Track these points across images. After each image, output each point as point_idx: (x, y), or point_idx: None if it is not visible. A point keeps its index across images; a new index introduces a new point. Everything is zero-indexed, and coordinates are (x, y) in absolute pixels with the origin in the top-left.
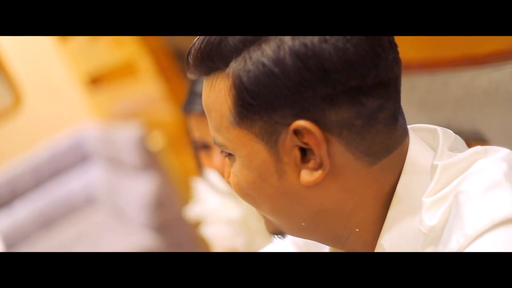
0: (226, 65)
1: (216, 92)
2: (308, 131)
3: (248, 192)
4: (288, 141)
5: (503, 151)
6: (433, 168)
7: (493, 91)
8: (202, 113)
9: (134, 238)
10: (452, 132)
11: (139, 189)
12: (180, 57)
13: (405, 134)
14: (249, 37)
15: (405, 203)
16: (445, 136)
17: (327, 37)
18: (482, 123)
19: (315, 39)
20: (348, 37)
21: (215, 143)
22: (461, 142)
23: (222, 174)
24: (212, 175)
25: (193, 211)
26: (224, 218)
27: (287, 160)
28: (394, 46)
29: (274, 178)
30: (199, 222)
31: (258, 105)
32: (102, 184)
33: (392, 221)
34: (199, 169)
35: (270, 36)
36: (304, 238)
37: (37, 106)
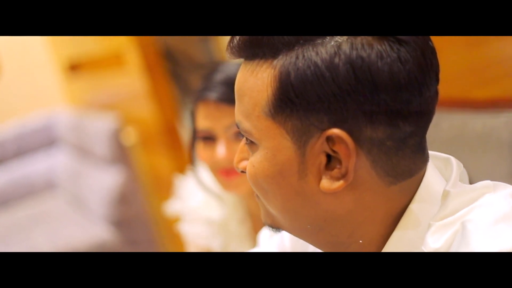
0: (274, 56)
1: (256, 79)
2: (341, 141)
3: (262, 184)
4: (318, 146)
5: (511, 188)
6: (445, 194)
7: (485, 136)
8: (217, 102)
9: (91, 229)
10: (462, 165)
11: (104, 181)
12: (168, 57)
13: (426, 161)
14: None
15: (413, 225)
16: (458, 166)
17: (384, 55)
18: (470, 166)
19: (373, 54)
20: (403, 59)
21: (238, 127)
22: (466, 176)
23: (215, 165)
24: (202, 170)
25: (172, 207)
26: (204, 218)
27: (311, 163)
28: (437, 80)
29: (294, 178)
30: (175, 219)
31: (299, 103)
32: (65, 170)
33: (397, 239)
34: (191, 161)
35: (327, 38)
36: (301, 239)
37: (11, 84)
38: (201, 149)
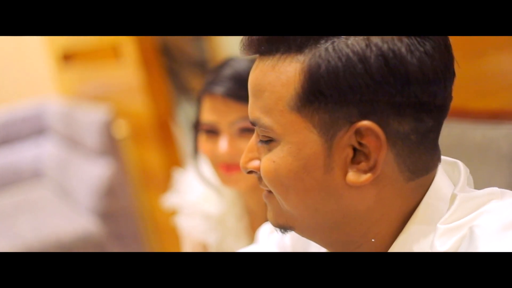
0: (299, 50)
1: (279, 74)
2: (372, 133)
3: (284, 180)
4: (346, 138)
5: None
6: (453, 197)
7: (484, 147)
8: (224, 97)
9: (76, 220)
10: (468, 170)
11: (92, 173)
12: (165, 53)
13: (440, 158)
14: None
15: (420, 225)
16: (465, 170)
17: (413, 48)
18: None
19: (403, 48)
20: (430, 53)
21: (254, 124)
22: (471, 181)
23: (216, 159)
24: (204, 163)
25: (170, 200)
26: (201, 212)
27: (337, 157)
28: (454, 75)
29: (319, 172)
30: (162, 214)
31: (330, 95)
32: (53, 160)
33: (403, 239)
34: (193, 154)
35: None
36: (312, 238)
37: (3, 71)
38: (203, 141)
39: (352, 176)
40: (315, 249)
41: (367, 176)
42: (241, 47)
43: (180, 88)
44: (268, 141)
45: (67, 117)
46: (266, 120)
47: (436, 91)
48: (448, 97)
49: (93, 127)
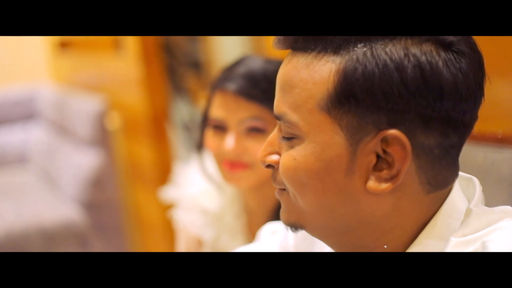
0: (336, 51)
1: (313, 72)
2: (398, 142)
3: (303, 179)
4: (372, 145)
5: None
6: (468, 212)
7: (485, 169)
8: (235, 94)
9: (60, 208)
10: (481, 187)
11: (80, 162)
12: (166, 50)
13: (458, 174)
14: (363, 37)
15: (433, 236)
16: (480, 187)
17: (449, 64)
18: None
19: (440, 62)
20: (465, 71)
21: (279, 118)
22: (483, 198)
23: (221, 155)
24: (208, 158)
25: (168, 193)
26: (200, 207)
27: (360, 162)
28: (483, 94)
29: (340, 175)
30: (169, 205)
31: (363, 100)
32: (40, 146)
33: (415, 249)
34: (199, 148)
35: (396, 38)
36: (324, 239)
37: None
38: (210, 137)
39: (372, 183)
40: (319, 251)
41: (388, 184)
42: (274, 41)
43: (177, 87)
44: (291, 138)
45: (59, 104)
46: (293, 116)
47: (466, 108)
48: (474, 116)
49: (85, 117)
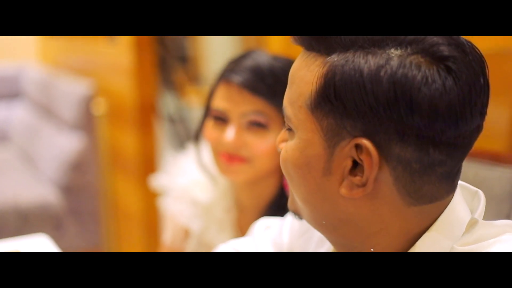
0: (328, 54)
1: (307, 71)
2: (367, 151)
3: (290, 171)
4: (347, 150)
5: None
6: (472, 222)
7: (475, 185)
8: (240, 87)
9: (37, 189)
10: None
11: (62, 145)
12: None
13: (451, 191)
14: (360, 40)
15: (431, 247)
16: (484, 201)
17: (430, 80)
18: None
19: (418, 76)
20: (448, 89)
21: (284, 111)
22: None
23: (219, 147)
24: (206, 148)
25: (158, 181)
26: (190, 197)
27: (337, 164)
28: (483, 114)
29: (318, 173)
30: (149, 195)
31: (337, 106)
32: (22, 125)
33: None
34: (197, 138)
35: (387, 46)
36: (320, 232)
37: None
38: (209, 127)
39: (344, 186)
40: (314, 249)
41: (358, 191)
42: (291, 37)
43: (166, 79)
44: (290, 130)
45: (46, 85)
46: (289, 110)
47: (444, 128)
48: (464, 136)
49: (71, 100)
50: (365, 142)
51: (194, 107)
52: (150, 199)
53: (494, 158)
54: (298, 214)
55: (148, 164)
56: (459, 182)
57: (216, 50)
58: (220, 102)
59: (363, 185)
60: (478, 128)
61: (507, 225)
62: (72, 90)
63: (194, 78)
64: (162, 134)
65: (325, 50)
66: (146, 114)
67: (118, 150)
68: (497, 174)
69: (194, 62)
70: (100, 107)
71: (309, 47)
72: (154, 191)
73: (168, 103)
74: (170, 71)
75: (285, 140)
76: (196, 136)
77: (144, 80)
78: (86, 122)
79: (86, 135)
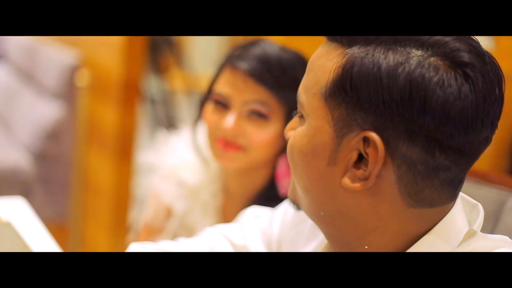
0: (349, 46)
1: (327, 60)
2: (374, 145)
3: (295, 158)
4: (354, 142)
5: None
6: (471, 233)
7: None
8: (246, 74)
9: (9, 153)
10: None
11: (40, 112)
12: None
13: (452, 199)
14: (383, 36)
15: (429, 250)
16: (483, 213)
17: (446, 83)
18: None
19: (435, 78)
20: (462, 94)
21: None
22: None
23: (217, 132)
24: (202, 131)
25: (147, 157)
26: (177, 177)
27: (342, 155)
28: (494, 125)
29: (323, 162)
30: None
31: (351, 97)
32: (1, 88)
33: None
34: (196, 120)
35: (409, 44)
36: (316, 224)
37: None
38: (209, 111)
39: (347, 178)
40: (303, 243)
41: (359, 184)
42: None
43: (154, 61)
44: (301, 117)
45: (30, 50)
46: (303, 97)
47: (453, 133)
48: (473, 145)
49: (55, 68)
50: (374, 136)
51: (177, 91)
52: (123, 176)
53: (482, 177)
54: (296, 204)
55: (126, 142)
56: (462, 194)
57: (200, 36)
58: (223, 87)
59: (365, 178)
60: (487, 140)
61: (502, 240)
62: (57, 58)
63: (179, 62)
64: (142, 114)
65: (347, 42)
66: (130, 92)
67: (96, 124)
68: (483, 193)
69: (178, 46)
70: (83, 79)
71: (332, 38)
72: (128, 169)
73: (151, 84)
74: (158, 53)
75: (293, 129)
76: (195, 118)
77: (132, 58)
78: (68, 92)
79: (66, 105)
